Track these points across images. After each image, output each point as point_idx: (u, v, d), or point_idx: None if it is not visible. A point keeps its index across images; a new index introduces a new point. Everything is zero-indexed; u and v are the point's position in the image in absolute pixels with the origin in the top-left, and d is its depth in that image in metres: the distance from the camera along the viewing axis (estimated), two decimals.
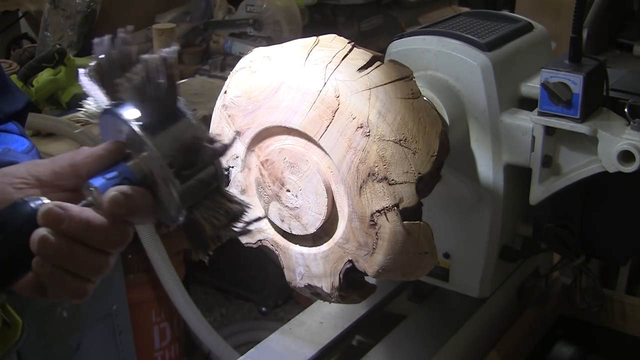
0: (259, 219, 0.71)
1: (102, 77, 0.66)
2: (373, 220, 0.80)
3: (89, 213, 0.63)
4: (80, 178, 0.66)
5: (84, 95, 0.68)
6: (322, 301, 0.94)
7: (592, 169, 1.00)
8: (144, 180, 0.64)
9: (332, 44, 0.84)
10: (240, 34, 2.41)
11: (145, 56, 0.62)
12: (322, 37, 0.85)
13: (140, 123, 0.62)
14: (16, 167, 0.71)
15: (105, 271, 0.66)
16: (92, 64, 0.66)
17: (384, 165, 0.78)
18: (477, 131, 1.05)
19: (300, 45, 0.86)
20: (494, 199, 1.06)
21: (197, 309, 1.94)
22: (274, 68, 0.85)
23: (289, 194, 0.87)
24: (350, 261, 0.84)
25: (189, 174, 0.62)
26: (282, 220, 0.89)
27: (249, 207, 0.66)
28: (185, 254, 2.24)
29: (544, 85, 0.99)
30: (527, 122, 1.02)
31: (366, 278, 0.90)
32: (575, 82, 0.97)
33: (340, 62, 0.82)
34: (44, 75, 2.03)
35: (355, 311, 1.19)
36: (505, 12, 1.32)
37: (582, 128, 0.98)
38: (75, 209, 0.63)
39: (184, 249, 2.22)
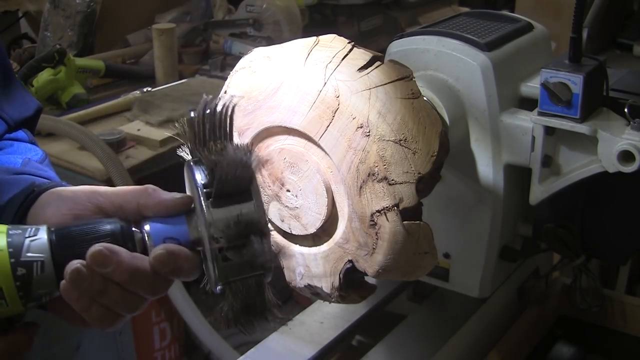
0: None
1: (196, 130, 0.66)
2: (373, 220, 0.80)
3: (137, 262, 0.63)
4: (143, 219, 0.66)
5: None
6: (322, 301, 0.94)
7: (592, 169, 1.00)
8: (195, 244, 0.65)
9: (332, 44, 0.84)
10: (240, 34, 2.41)
11: (232, 148, 0.63)
12: (322, 37, 0.85)
13: (207, 190, 0.63)
14: (74, 191, 0.70)
15: (137, 312, 0.66)
16: (191, 115, 0.66)
17: (384, 165, 0.78)
18: (477, 131, 1.05)
19: (300, 45, 0.85)
20: (494, 199, 1.06)
21: (197, 309, 1.94)
22: (274, 68, 0.85)
23: (288, 194, 0.87)
24: (350, 261, 0.84)
25: (236, 255, 0.62)
26: (282, 220, 0.89)
27: (279, 315, 0.66)
28: None
29: (544, 85, 0.99)
30: (527, 122, 1.02)
31: (366, 278, 0.90)
32: (575, 82, 0.97)
33: (340, 62, 0.82)
34: (44, 75, 2.03)
35: (355, 311, 1.19)
36: (505, 12, 1.32)
37: (582, 128, 0.98)
38: (126, 255, 0.62)
39: None
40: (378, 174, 0.79)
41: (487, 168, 1.06)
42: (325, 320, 1.18)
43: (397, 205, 0.79)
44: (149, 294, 0.65)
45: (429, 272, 0.89)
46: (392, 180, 0.78)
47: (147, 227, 0.64)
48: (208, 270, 0.64)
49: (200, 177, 0.63)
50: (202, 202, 0.62)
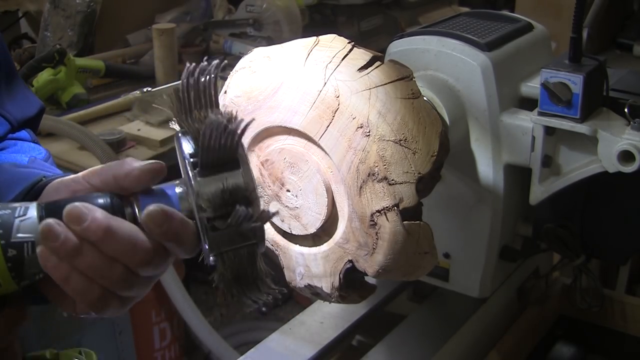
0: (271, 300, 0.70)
1: (182, 101, 0.65)
2: (373, 220, 0.80)
3: (116, 222, 0.61)
4: (124, 190, 0.64)
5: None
6: (322, 301, 0.94)
7: (592, 169, 1.00)
8: (187, 216, 0.63)
9: (332, 44, 0.84)
10: (240, 34, 2.41)
11: (214, 114, 0.62)
12: (322, 37, 0.85)
13: (194, 160, 0.62)
14: (74, 176, 0.69)
15: (127, 288, 0.63)
16: (175, 86, 0.65)
17: (384, 165, 0.78)
18: (477, 131, 1.05)
19: (300, 45, 0.85)
20: (494, 199, 1.06)
21: (197, 309, 1.94)
22: (274, 68, 0.85)
23: (289, 194, 0.87)
24: (350, 261, 0.84)
25: (222, 224, 0.61)
26: (282, 220, 0.89)
27: (272, 286, 0.65)
28: None
29: (544, 85, 0.99)
30: (527, 122, 1.02)
31: (366, 278, 0.90)
32: (575, 82, 0.97)
33: (340, 62, 0.82)
34: (44, 75, 2.03)
35: (355, 311, 1.19)
36: (505, 12, 1.32)
37: (582, 128, 0.98)
38: (101, 213, 0.61)
39: None
40: (378, 174, 0.79)
41: (487, 168, 1.06)
42: (325, 320, 1.18)
43: (397, 205, 0.79)
44: (133, 261, 0.62)
45: (429, 272, 0.89)
46: (392, 180, 0.78)
47: (137, 199, 0.63)
48: (202, 244, 0.63)
49: (187, 147, 0.63)
50: (189, 172, 0.62)
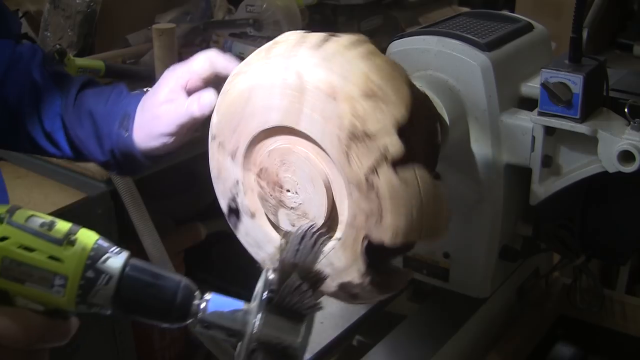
0: None
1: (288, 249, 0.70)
2: (369, 182, 0.80)
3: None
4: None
5: None
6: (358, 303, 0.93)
7: (592, 169, 1.00)
8: (234, 335, 0.67)
9: (288, 37, 0.86)
10: (240, 34, 2.41)
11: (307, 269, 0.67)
12: (279, 36, 0.87)
13: (271, 295, 0.65)
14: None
15: None
16: (281, 242, 0.71)
17: (359, 122, 0.78)
18: (477, 131, 1.05)
19: (260, 50, 0.87)
20: (494, 199, 1.06)
21: None
22: (242, 79, 0.87)
23: (289, 194, 0.87)
24: (366, 237, 0.83)
25: None
26: (293, 225, 0.88)
27: None
28: (185, 254, 2.24)
29: (544, 85, 0.99)
30: (527, 122, 1.02)
31: (395, 264, 0.89)
32: (575, 82, 0.97)
33: (298, 48, 0.83)
34: None
35: (355, 311, 1.19)
36: (505, 12, 1.32)
37: (582, 128, 0.98)
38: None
39: (184, 249, 2.22)
40: (357, 133, 0.78)
41: (487, 168, 1.06)
42: (325, 320, 1.18)
43: (385, 158, 0.78)
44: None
45: (448, 223, 0.86)
46: (371, 132, 0.78)
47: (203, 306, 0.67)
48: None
49: (269, 282, 0.67)
50: (263, 299, 0.65)
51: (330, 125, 0.80)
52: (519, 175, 1.06)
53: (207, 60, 0.95)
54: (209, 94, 0.92)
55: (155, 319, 0.66)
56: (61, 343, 0.64)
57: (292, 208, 0.87)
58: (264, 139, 0.87)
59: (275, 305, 0.64)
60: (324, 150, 0.82)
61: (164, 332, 2.18)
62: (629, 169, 0.94)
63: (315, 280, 0.66)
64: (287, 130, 0.84)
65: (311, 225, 0.70)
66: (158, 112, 0.95)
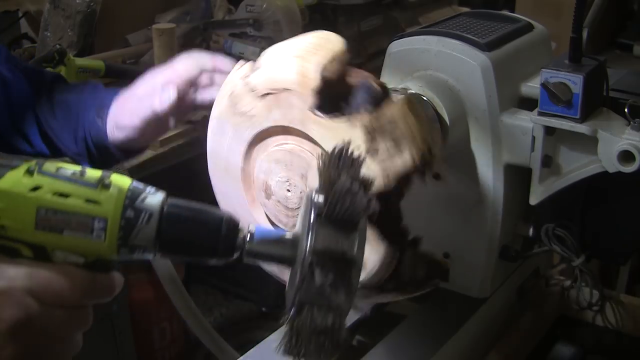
0: None
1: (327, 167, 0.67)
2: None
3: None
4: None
5: None
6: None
7: (592, 169, 1.00)
8: (288, 261, 0.65)
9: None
10: (240, 34, 2.41)
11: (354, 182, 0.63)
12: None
13: (320, 211, 0.62)
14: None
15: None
16: (320, 162, 0.67)
17: (306, 80, 0.80)
18: (477, 131, 1.05)
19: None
20: (494, 199, 1.06)
21: (197, 309, 1.94)
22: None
23: (289, 194, 0.87)
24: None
25: (319, 281, 0.61)
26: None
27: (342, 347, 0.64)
28: None
29: (544, 85, 0.99)
30: (527, 122, 1.02)
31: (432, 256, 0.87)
32: (575, 82, 0.97)
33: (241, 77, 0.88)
34: None
35: (355, 311, 1.19)
36: (505, 12, 1.32)
37: (582, 128, 0.98)
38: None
39: None
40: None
41: (487, 168, 1.06)
42: None
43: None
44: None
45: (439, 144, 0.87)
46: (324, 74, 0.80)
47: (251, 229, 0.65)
48: (289, 289, 0.65)
49: (317, 199, 0.64)
50: (312, 215, 0.62)
51: (290, 101, 0.83)
52: (519, 175, 1.06)
53: (191, 61, 0.99)
54: (170, 91, 0.96)
55: (202, 256, 0.63)
56: (106, 299, 0.62)
57: (298, 209, 0.87)
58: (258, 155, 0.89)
59: (326, 218, 0.62)
60: (295, 133, 0.83)
61: (164, 332, 2.18)
62: (629, 169, 0.94)
63: (364, 181, 0.63)
64: (263, 134, 0.86)
65: (347, 143, 0.67)
66: (126, 105, 1.00)
